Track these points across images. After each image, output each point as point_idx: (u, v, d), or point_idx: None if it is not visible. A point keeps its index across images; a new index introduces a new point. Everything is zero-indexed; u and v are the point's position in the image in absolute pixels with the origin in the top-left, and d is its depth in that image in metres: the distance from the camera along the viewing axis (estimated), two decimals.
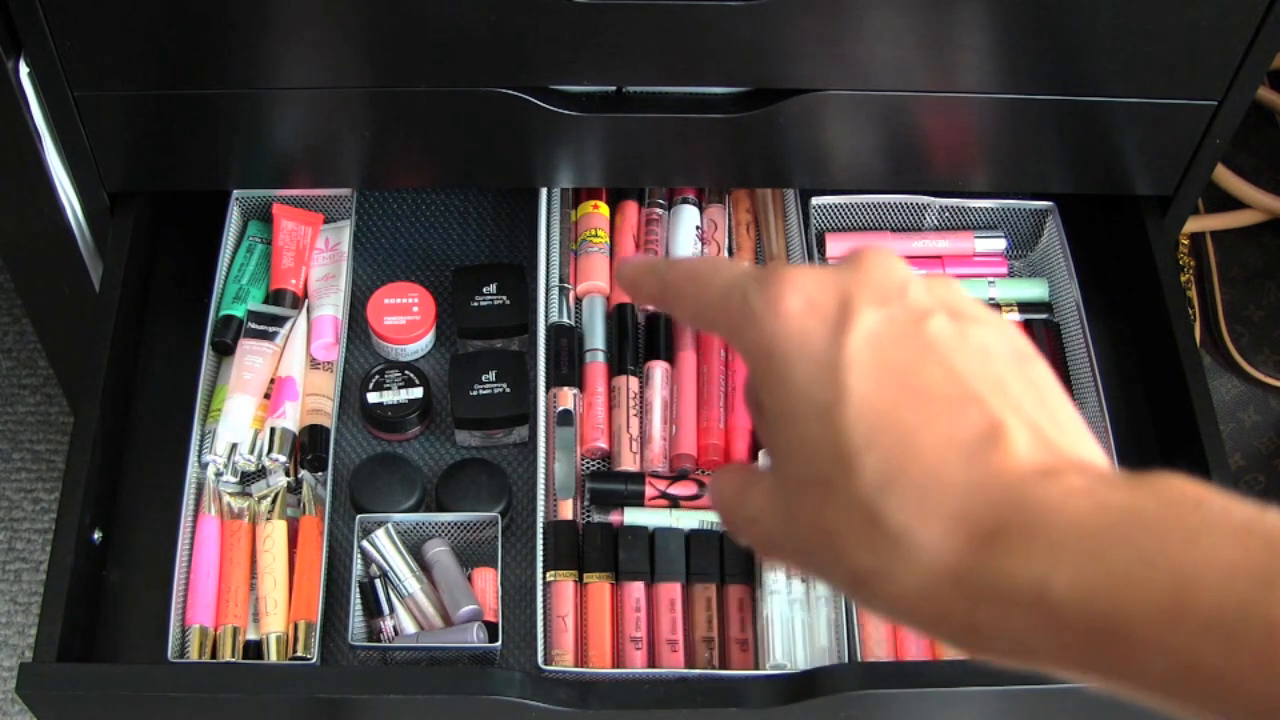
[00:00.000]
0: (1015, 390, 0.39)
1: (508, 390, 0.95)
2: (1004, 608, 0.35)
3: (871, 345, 0.38)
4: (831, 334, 0.39)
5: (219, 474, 0.91)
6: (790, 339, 0.39)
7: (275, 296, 0.99)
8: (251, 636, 0.87)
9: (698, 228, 1.03)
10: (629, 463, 0.93)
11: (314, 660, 0.85)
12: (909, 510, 0.36)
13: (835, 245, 1.03)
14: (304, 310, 0.99)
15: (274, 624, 0.86)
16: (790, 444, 0.39)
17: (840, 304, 0.39)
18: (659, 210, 1.04)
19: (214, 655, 0.86)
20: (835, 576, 0.39)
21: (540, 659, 0.85)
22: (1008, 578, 0.35)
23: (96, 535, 0.88)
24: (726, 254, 1.03)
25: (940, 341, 0.39)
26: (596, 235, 1.02)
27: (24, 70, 0.86)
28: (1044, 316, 1.01)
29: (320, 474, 0.92)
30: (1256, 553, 0.32)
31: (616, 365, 0.97)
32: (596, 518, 0.92)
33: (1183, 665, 0.33)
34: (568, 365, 0.96)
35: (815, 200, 1.02)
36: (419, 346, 0.99)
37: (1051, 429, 0.38)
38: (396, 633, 0.87)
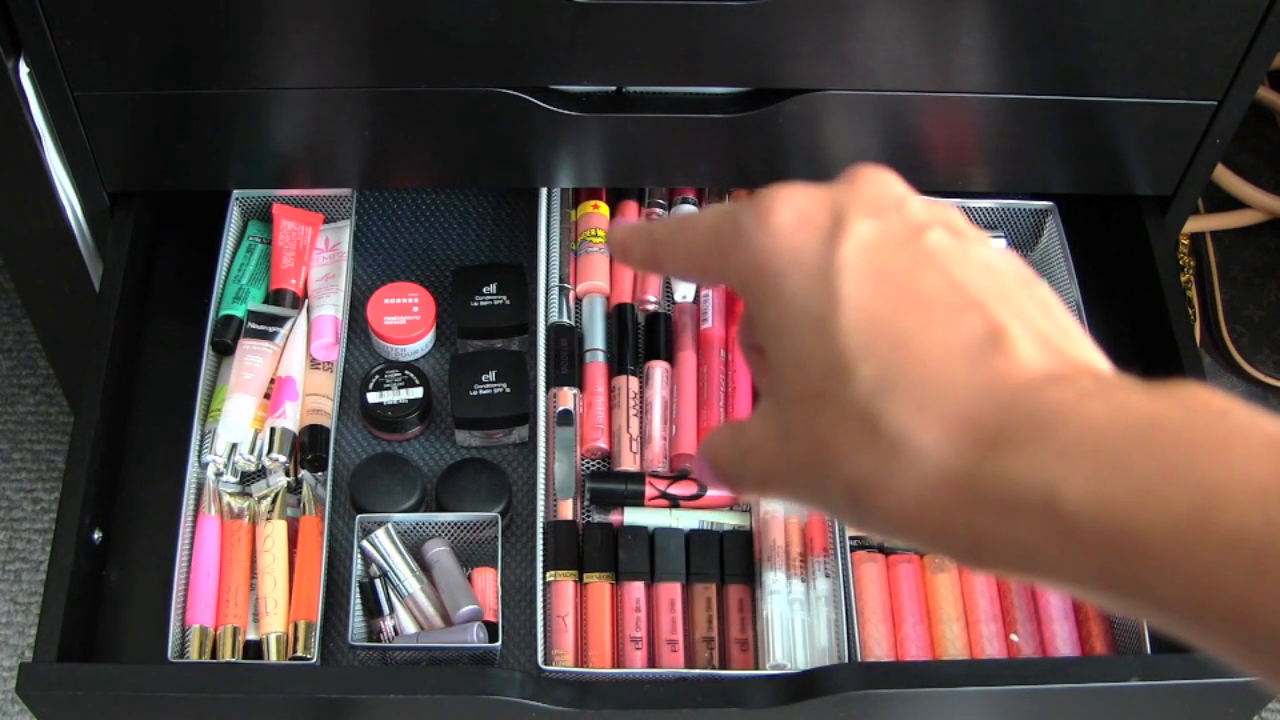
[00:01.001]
0: (1019, 301, 0.37)
1: (508, 390, 0.95)
2: (1010, 515, 0.33)
3: (866, 253, 0.37)
4: (824, 244, 0.37)
5: (219, 474, 0.91)
6: (782, 253, 0.38)
7: (275, 296, 0.99)
8: (251, 636, 0.87)
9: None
10: (629, 463, 0.93)
11: (314, 660, 0.85)
12: (908, 412, 0.35)
13: None
14: (304, 310, 0.99)
15: (274, 624, 0.86)
16: (784, 360, 0.37)
17: (833, 216, 0.38)
18: (659, 210, 1.04)
19: (214, 655, 0.86)
20: (831, 492, 0.37)
21: (540, 659, 0.85)
22: (1014, 483, 0.33)
23: (96, 535, 0.88)
24: None
25: (939, 251, 0.37)
26: (596, 235, 1.02)
27: (24, 70, 0.86)
28: None
29: (320, 474, 0.92)
30: None
31: (616, 365, 0.97)
32: (596, 518, 0.92)
33: (1202, 585, 0.31)
34: (568, 365, 0.96)
35: None
36: (419, 346, 0.99)
37: (1059, 337, 0.36)
38: (396, 633, 0.87)
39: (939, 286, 0.37)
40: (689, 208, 1.03)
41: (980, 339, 0.35)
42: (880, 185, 0.39)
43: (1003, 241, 1.04)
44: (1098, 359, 0.37)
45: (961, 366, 0.35)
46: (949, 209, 0.40)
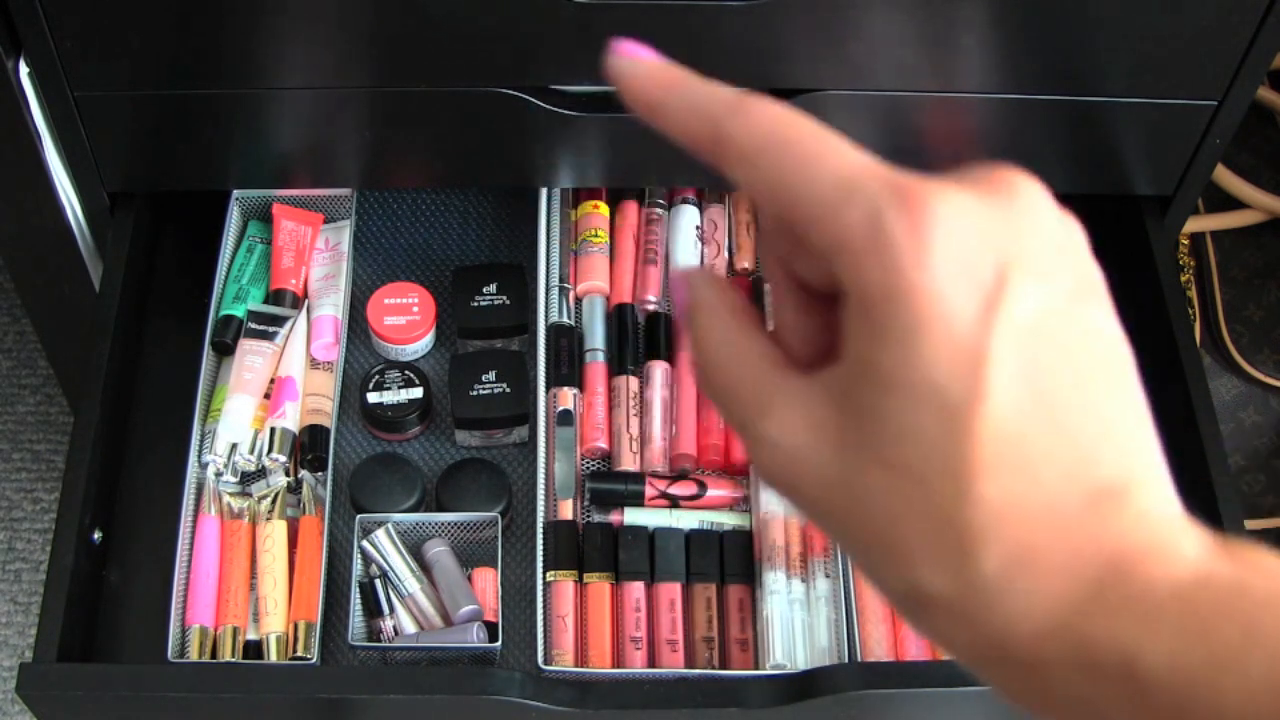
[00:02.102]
0: (1134, 426, 0.34)
1: (508, 390, 0.95)
2: (1084, 674, 0.32)
3: (1022, 339, 0.32)
4: (981, 311, 0.32)
5: (219, 474, 0.91)
6: (929, 301, 0.31)
7: (275, 296, 0.99)
8: (251, 636, 0.87)
9: (698, 228, 1.03)
10: (629, 463, 0.93)
11: (314, 660, 0.85)
12: (1010, 557, 0.32)
13: None
14: (304, 310, 0.99)
15: (274, 624, 0.86)
16: (886, 415, 0.32)
17: (997, 270, 0.32)
18: (659, 210, 1.04)
19: (214, 655, 0.86)
20: (889, 581, 0.34)
21: (540, 659, 0.85)
22: (1094, 644, 0.32)
23: (96, 535, 0.88)
24: (726, 254, 1.03)
25: (1083, 346, 0.34)
26: (596, 235, 1.02)
27: (24, 70, 0.86)
28: None
29: (320, 474, 0.92)
30: None
31: (616, 365, 0.97)
32: (596, 518, 0.92)
33: None
34: (568, 365, 0.96)
35: None
36: (419, 346, 0.99)
37: (1159, 481, 0.34)
38: (396, 633, 0.87)
39: (1078, 406, 0.33)
40: (689, 208, 1.04)
41: (1102, 488, 0.33)
42: (1042, 225, 0.34)
43: None
44: (1176, 500, 0.35)
45: (1076, 513, 0.33)
46: (1081, 239, 0.35)
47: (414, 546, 0.90)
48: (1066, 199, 1.11)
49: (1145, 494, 0.33)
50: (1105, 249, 1.17)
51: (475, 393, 0.94)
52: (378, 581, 0.88)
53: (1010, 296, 0.32)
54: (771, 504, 0.90)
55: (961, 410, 0.32)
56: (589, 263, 1.01)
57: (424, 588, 0.88)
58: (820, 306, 0.35)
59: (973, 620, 0.33)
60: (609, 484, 0.92)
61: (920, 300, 0.31)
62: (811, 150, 0.33)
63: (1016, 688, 0.33)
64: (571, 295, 1.00)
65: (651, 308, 1.01)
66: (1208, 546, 0.33)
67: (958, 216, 0.32)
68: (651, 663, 0.87)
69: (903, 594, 0.34)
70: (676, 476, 0.93)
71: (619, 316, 0.99)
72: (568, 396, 0.95)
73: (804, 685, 0.80)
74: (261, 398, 0.94)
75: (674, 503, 0.92)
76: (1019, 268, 0.32)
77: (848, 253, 0.32)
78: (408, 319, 0.98)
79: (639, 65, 0.35)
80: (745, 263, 1.03)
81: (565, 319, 0.99)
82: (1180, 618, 0.32)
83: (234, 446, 0.92)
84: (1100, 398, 0.34)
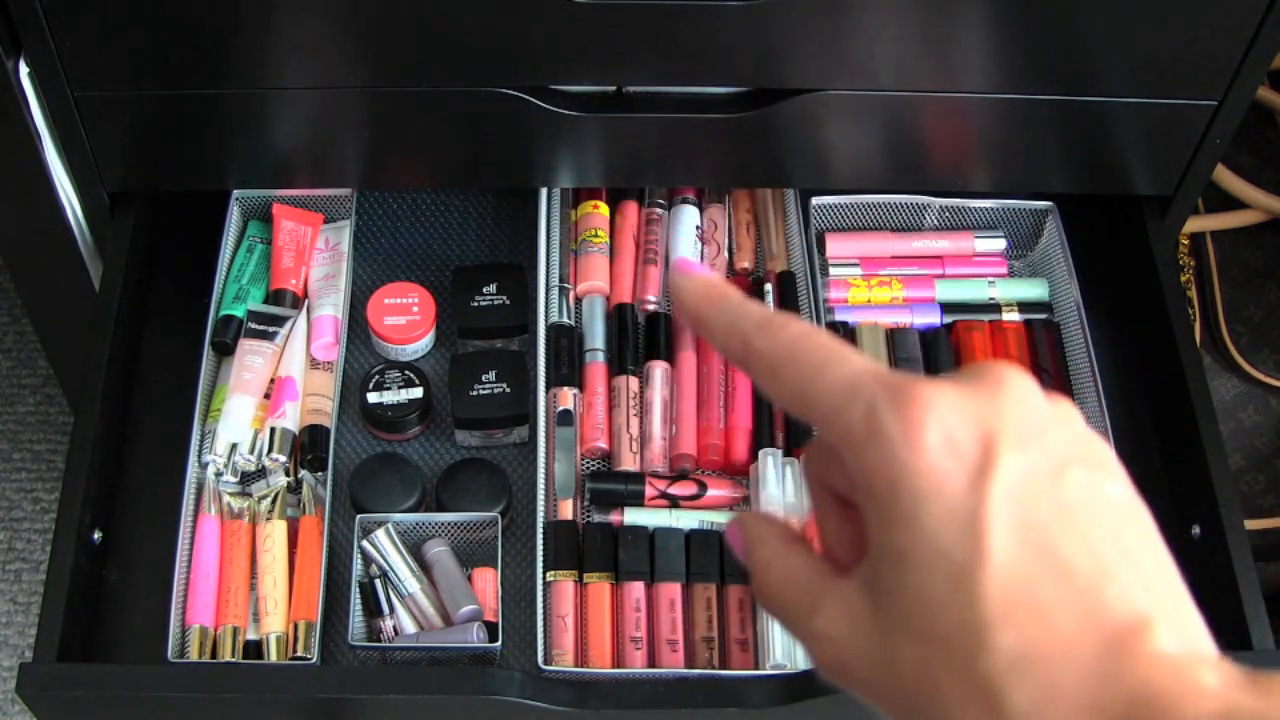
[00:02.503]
0: (1146, 568, 0.36)
1: (508, 390, 0.95)
2: None
3: (1013, 502, 0.36)
4: (971, 482, 0.36)
5: (219, 474, 0.91)
6: (924, 478, 0.36)
7: (275, 296, 0.99)
8: (251, 636, 0.87)
9: (698, 228, 1.03)
10: (629, 463, 0.93)
11: (314, 660, 0.85)
12: (1037, 697, 0.34)
13: (835, 245, 1.03)
14: (304, 310, 0.99)
15: (274, 624, 0.86)
16: (907, 589, 0.36)
17: (981, 445, 0.36)
18: (659, 210, 1.04)
19: (214, 655, 0.86)
20: None
21: (540, 659, 0.85)
22: None
23: (96, 535, 0.88)
24: (726, 254, 1.03)
25: (1078, 502, 0.37)
26: (596, 235, 1.02)
27: (24, 70, 0.86)
28: (1044, 316, 1.01)
29: (320, 474, 0.92)
30: None
31: (616, 365, 0.97)
32: (596, 518, 0.92)
33: None
34: (568, 365, 0.96)
35: (815, 200, 1.02)
36: (419, 346, 0.99)
37: (1179, 616, 0.36)
38: (396, 633, 0.87)
39: (1079, 551, 0.36)
40: (689, 208, 1.04)
41: (1116, 624, 0.35)
42: (1026, 404, 0.37)
43: (1002, 242, 1.04)
44: (1204, 633, 0.37)
45: (1096, 651, 0.35)
46: (1074, 417, 0.39)
47: (414, 546, 0.90)
48: (1067, 199, 1.10)
49: (1164, 631, 0.35)
50: (1105, 249, 1.17)
51: (475, 393, 0.94)
52: (378, 581, 0.88)
53: (998, 464, 0.36)
54: (772, 503, 0.90)
55: (968, 570, 0.35)
56: (589, 263, 1.01)
57: (424, 588, 0.88)
58: (855, 514, 0.39)
59: None
60: (609, 484, 0.92)
61: (916, 480, 0.36)
62: (822, 359, 0.38)
63: None
64: (571, 295, 1.00)
65: (651, 308, 1.01)
66: (1232, 679, 0.34)
67: (945, 405, 0.36)
68: (651, 663, 0.87)
69: None
70: (676, 476, 0.93)
71: (619, 316, 0.99)
72: (568, 396, 0.95)
73: (804, 685, 0.80)
74: (261, 398, 0.94)
75: (674, 503, 0.92)
76: (1004, 440, 0.36)
77: (853, 448, 0.37)
78: (408, 319, 0.98)
79: (692, 281, 0.41)
80: (745, 262, 1.04)
81: (565, 319, 0.99)
82: None
83: (234, 446, 0.92)
84: (1104, 547, 0.36)
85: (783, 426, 0.95)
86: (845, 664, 0.38)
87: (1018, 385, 0.38)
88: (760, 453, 0.92)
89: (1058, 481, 0.36)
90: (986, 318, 1.01)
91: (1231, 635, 0.85)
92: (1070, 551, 0.36)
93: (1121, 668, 0.34)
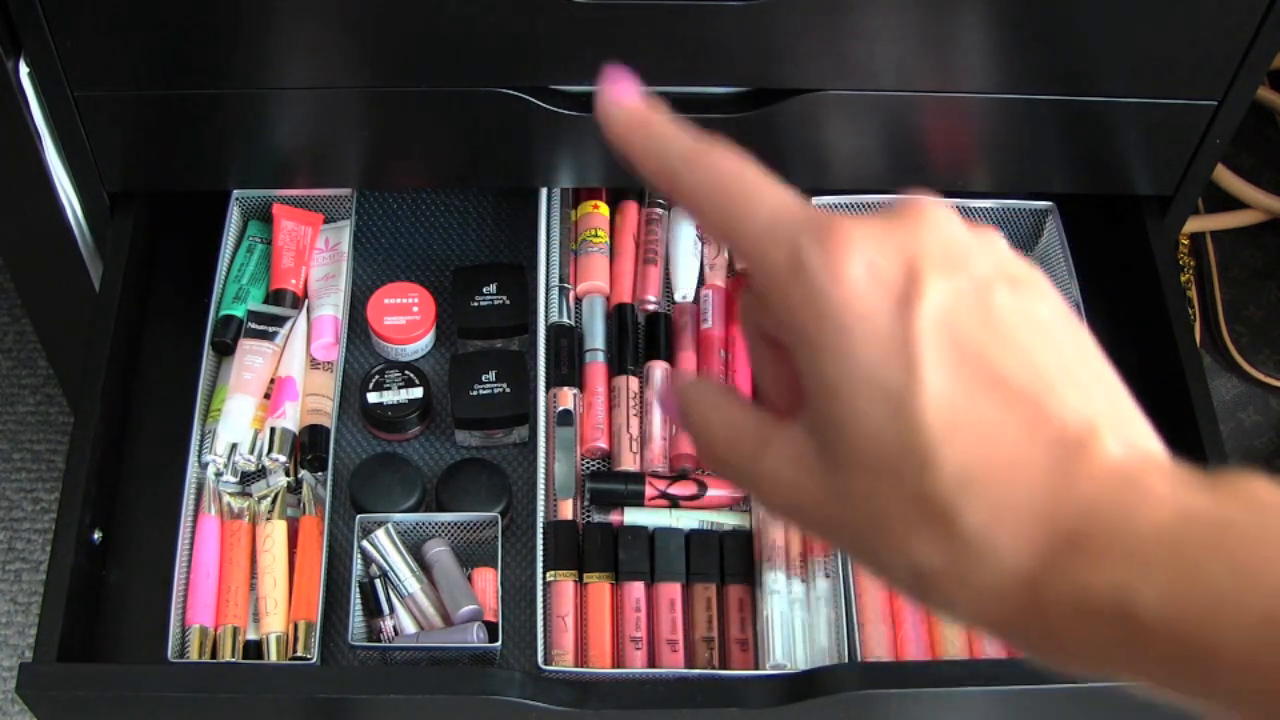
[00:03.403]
0: (1084, 378, 0.36)
1: (508, 390, 0.95)
2: (1084, 619, 0.34)
3: (942, 324, 0.35)
4: (897, 309, 0.35)
5: (219, 474, 0.91)
6: (849, 309, 0.35)
7: (275, 296, 0.99)
8: (251, 636, 0.87)
9: (697, 227, 1.03)
10: (629, 463, 0.93)
11: (314, 660, 0.85)
12: (988, 511, 0.34)
13: None
14: (304, 310, 0.99)
15: (274, 624, 0.86)
16: (846, 422, 0.36)
17: (906, 272, 0.36)
18: (659, 210, 1.04)
19: (214, 655, 0.86)
20: (892, 569, 0.36)
21: (540, 659, 0.85)
22: (1089, 589, 0.33)
23: (96, 535, 0.88)
24: (726, 254, 1.03)
25: (1008, 319, 0.36)
26: (596, 235, 1.02)
27: (24, 70, 0.86)
28: None
29: (320, 474, 0.92)
30: None
31: (616, 365, 0.97)
32: (596, 518, 0.92)
33: (1275, 687, 0.31)
34: (568, 365, 0.96)
35: (815, 200, 1.02)
36: (419, 346, 0.99)
37: (1124, 423, 0.36)
38: (396, 633, 0.87)
39: (1015, 366, 0.36)
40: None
41: (1060, 435, 0.35)
42: (947, 232, 0.37)
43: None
44: (1150, 435, 0.37)
45: (1041, 467, 0.35)
46: (1000, 244, 0.39)
47: (414, 546, 0.90)
48: (1067, 199, 1.10)
49: (1109, 437, 0.35)
50: (1105, 249, 1.17)
51: (475, 393, 0.94)
52: (378, 581, 0.88)
53: (923, 290, 0.36)
54: None
55: (904, 396, 0.35)
56: (589, 263, 1.01)
57: (424, 588, 0.88)
58: (790, 359, 0.39)
59: (969, 582, 0.35)
60: (609, 484, 0.92)
61: (842, 311, 0.36)
62: (746, 198, 0.38)
63: (1030, 641, 0.35)
64: (571, 295, 1.00)
65: (651, 308, 1.01)
66: (1185, 482, 0.34)
67: (867, 237, 0.36)
68: (651, 663, 0.87)
69: (907, 578, 0.36)
70: (676, 476, 0.93)
71: (619, 316, 0.99)
72: (568, 396, 0.95)
73: (804, 685, 0.80)
74: (261, 398, 0.94)
75: (674, 503, 0.92)
76: (928, 266, 0.36)
77: (778, 287, 0.37)
78: (408, 319, 0.98)
79: (622, 109, 0.40)
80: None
81: (565, 319, 0.99)
82: (1169, 558, 0.33)
83: (234, 446, 0.92)
84: (1039, 361, 0.36)
85: None
86: (796, 505, 0.38)
87: (939, 214, 0.38)
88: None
89: (985, 302, 0.36)
90: None
91: None
92: (1005, 368, 0.35)
93: (1070, 477, 0.34)
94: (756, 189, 0.38)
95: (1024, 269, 0.38)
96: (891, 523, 0.35)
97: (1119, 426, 0.36)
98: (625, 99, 0.40)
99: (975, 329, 0.36)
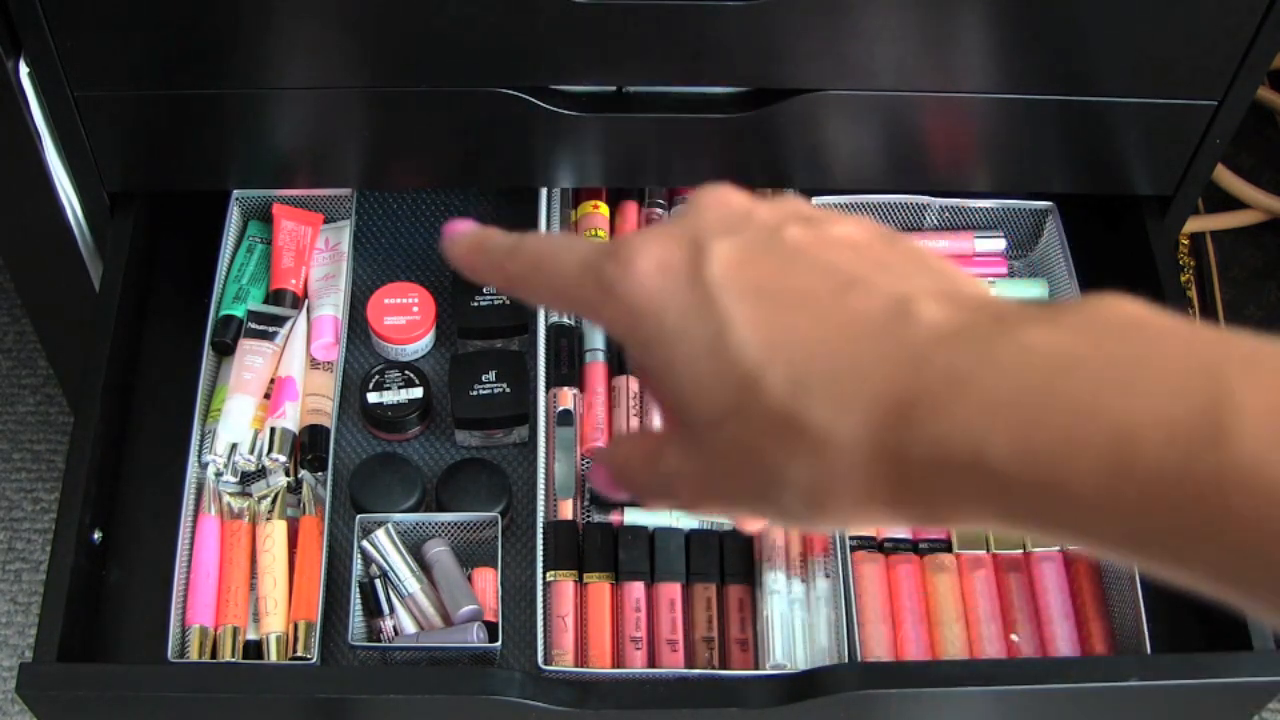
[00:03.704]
0: (895, 264, 0.38)
1: (508, 390, 0.95)
2: (947, 477, 0.33)
3: (734, 268, 0.37)
4: (691, 276, 0.38)
5: (219, 474, 0.91)
6: (651, 297, 0.38)
7: (275, 296, 0.99)
8: (251, 636, 0.87)
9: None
10: None
11: (314, 660, 0.85)
12: (828, 403, 0.35)
13: None
14: (304, 310, 0.99)
15: (274, 624, 0.86)
16: (686, 390, 0.37)
17: (691, 247, 0.38)
18: (659, 210, 1.04)
19: (214, 655, 0.86)
20: (783, 503, 0.37)
21: (540, 659, 0.85)
22: (942, 445, 0.33)
23: (96, 535, 0.88)
24: None
25: (802, 244, 0.38)
26: (596, 235, 1.02)
27: (24, 70, 0.86)
28: None
29: (320, 474, 0.92)
30: (1195, 399, 0.30)
31: (616, 365, 0.97)
32: (596, 518, 0.92)
33: (1133, 526, 0.31)
34: (568, 365, 0.96)
35: (815, 200, 1.02)
36: (419, 346, 0.99)
37: (947, 284, 0.37)
38: (396, 633, 0.87)
39: (816, 278, 0.37)
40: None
41: (875, 313, 0.36)
42: (723, 204, 0.40)
43: (1002, 242, 1.04)
44: (990, 293, 0.37)
45: (866, 344, 0.35)
46: (792, 199, 0.41)
47: (414, 546, 0.90)
48: (1067, 199, 1.10)
49: (932, 302, 0.35)
50: (1105, 249, 1.17)
51: (475, 393, 0.94)
52: (378, 581, 0.88)
53: (708, 253, 0.38)
54: None
55: (718, 339, 0.37)
56: None
57: (424, 588, 0.88)
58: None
59: (841, 478, 0.35)
60: None
61: (645, 301, 0.38)
62: (557, 257, 0.41)
63: (915, 514, 0.35)
64: None
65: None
66: (1035, 318, 0.34)
67: (650, 238, 0.39)
68: (651, 663, 0.87)
69: (798, 506, 0.36)
70: None
71: None
72: (568, 396, 0.95)
73: (804, 685, 0.80)
74: (261, 398, 0.94)
75: None
76: (707, 235, 0.38)
77: (597, 315, 0.40)
78: (408, 319, 0.98)
79: (456, 244, 0.44)
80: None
81: (565, 319, 0.99)
82: (1013, 401, 0.33)
83: (234, 446, 0.92)
84: (846, 262, 0.37)
85: None
86: (699, 490, 0.39)
87: (713, 191, 0.40)
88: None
89: (775, 239, 0.38)
90: None
91: (1231, 635, 0.85)
92: (808, 281, 0.37)
93: (898, 345, 0.35)
94: (562, 250, 0.41)
95: (821, 211, 0.40)
96: (760, 459, 0.36)
97: (941, 291, 0.36)
98: (459, 229, 0.44)
99: (769, 263, 0.38)
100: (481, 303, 0.99)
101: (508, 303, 0.99)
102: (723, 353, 0.37)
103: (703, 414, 0.37)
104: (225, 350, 0.96)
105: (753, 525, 0.45)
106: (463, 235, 0.44)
